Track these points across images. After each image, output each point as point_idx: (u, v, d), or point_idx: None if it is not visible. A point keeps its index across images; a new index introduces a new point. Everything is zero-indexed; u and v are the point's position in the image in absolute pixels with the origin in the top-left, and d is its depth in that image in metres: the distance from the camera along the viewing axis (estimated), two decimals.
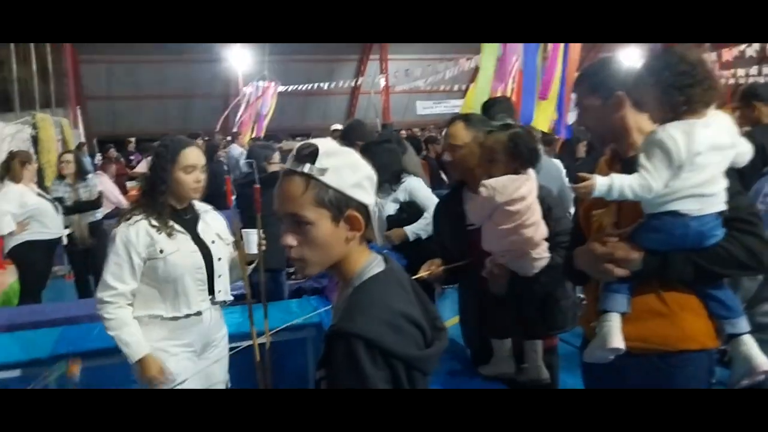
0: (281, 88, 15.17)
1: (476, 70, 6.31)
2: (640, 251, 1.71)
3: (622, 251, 1.71)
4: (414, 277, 2.48)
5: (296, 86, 16.42)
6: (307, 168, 1.26)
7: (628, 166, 1.74)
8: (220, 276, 2.54)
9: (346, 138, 3.99)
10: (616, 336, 1.73)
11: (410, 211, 3.75)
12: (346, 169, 1.27)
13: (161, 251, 2.39)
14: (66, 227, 5.42)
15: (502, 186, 2.22)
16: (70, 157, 5.76)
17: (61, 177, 5.61)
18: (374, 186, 1.33)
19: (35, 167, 5.49)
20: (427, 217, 3.67)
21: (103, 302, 2.39)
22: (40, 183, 6.51)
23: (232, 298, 2.65)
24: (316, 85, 16.89)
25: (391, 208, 3.73)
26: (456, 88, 19.80)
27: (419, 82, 17.94)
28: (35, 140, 9.37)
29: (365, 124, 4.10)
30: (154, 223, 2.41)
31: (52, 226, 5.15)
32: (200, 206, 2.62)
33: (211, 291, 2.52)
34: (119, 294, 2.38)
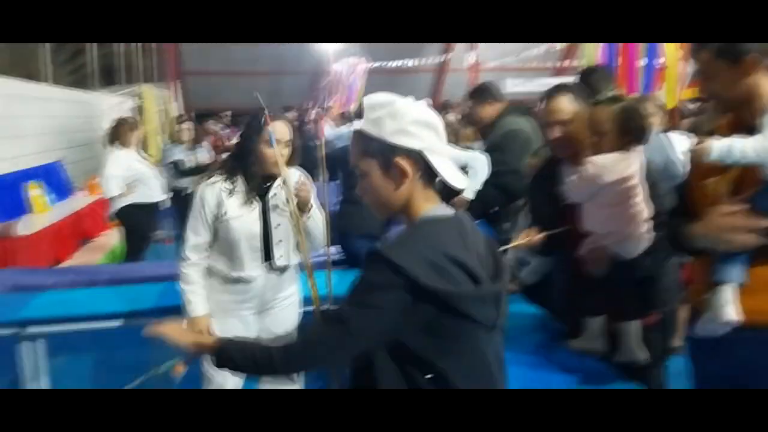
0: (370, 65, 15.22)
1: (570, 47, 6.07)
2: (764, 219, 1.60)
3: (746, 220, 1.61)
4: (511, 246, 2.45)
5: (384, 63, 16.42)
6: (356, 124, 1.37)
7: (754, 133, 1.64)
8: (279, 241, 2.60)
9: (473, 97, 3.93)
10: (731, 308, 1.64)
11: None
12: (386, 119, 1.32)
13: (225, 214, 2.51)
14: (176, 190, 5.71)
15: (611, 164, 2.09)
16: (189, 125, 6.07)
17: (175, 142, 5.92)
18: (430, 129, 1.35)
19: (141, 134, 5.75)
20: (473, 168, 3.63)
21: (183, 256, 2.57)
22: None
23: (294, 263, 2.70)
24: (403, 62, 16.82)
25: None
26: (547, 65, 19.22)
27: (509, 59, 17.53)
28: (139, 111, 9.85)
29: (494, 85, 3.99)
30: (228, 186, 2.53)
31: (155, 190, 5.41)
32: (288, 172, 2.62)
33: (269, 257, 2.59)
34: (195, 246, 2.55)
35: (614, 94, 2.27)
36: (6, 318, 3.13)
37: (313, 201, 2.61)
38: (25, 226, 5.51)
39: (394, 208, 1.38)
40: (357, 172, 1.39)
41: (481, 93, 3.91)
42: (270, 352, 1.35)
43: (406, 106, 1.34)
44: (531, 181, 2.69)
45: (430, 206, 1.37)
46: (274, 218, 2.58)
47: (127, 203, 5.21)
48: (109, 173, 5.15)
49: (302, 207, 2.54)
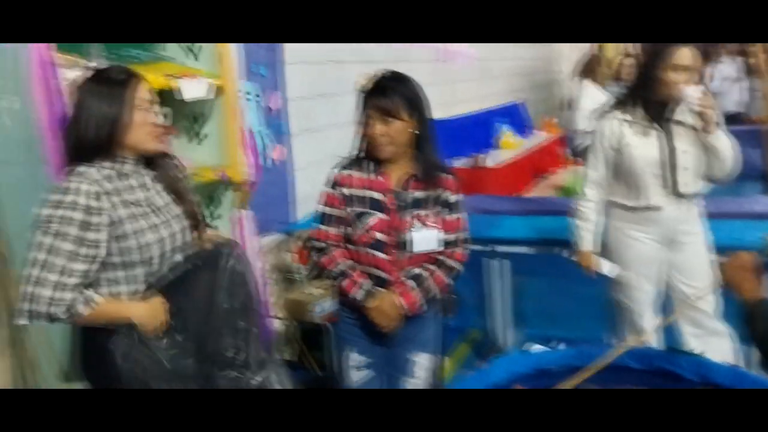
0: None
1: None
2: None
3: None
4: None
5: None
6: None
7: None
8: (685, 169, 2.53)
9: None
10: None
11: None
12: None
13: (625, 144, 2.54)
14: None
15: None
16: (630, 61, 5.84)
17: (618, 80, 5.75)
18: None
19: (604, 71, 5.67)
20: None
21: (582, 192, 2.69)
22: None
23: (694, 190, 2.58)
24: None
25: None
26: None
27: None
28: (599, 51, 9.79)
29: None
30: (628, 117, 2.56)
31: None
32: (689, 91, 2.43)
33: (674, 185, 2.53)
34: (594, 182, 2.65)
35: None
36: (477, 235, 3.51)
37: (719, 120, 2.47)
38: (493, 160, 6.07)
39: None
40: None
41: None
42: None
43: None
44: None
45: None
46: (679, 144, 2.53)
47: None
48: (582, 107, 5.14)
49: (705, 125, 2.43)
